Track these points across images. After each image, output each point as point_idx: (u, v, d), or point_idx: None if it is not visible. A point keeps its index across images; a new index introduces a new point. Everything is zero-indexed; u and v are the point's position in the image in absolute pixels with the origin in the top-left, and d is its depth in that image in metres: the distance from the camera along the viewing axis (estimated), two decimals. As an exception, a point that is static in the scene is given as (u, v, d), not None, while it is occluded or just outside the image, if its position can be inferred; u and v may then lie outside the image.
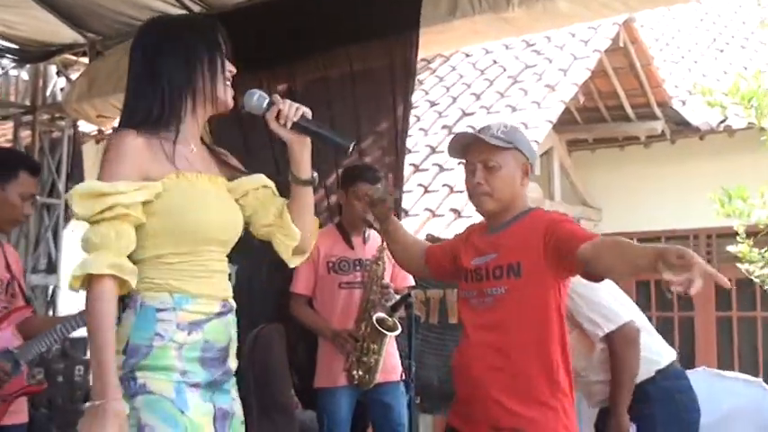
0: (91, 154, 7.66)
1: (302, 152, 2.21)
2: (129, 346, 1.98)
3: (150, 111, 2.09)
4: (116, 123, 7.16)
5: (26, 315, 3.39)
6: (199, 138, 2.23)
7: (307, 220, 2.28)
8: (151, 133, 2.07)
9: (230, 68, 2.19)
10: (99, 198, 1.95)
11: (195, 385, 2.02)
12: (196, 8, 5.16)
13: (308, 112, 2.18)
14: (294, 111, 2.15)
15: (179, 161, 2.09)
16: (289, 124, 2.15)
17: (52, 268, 6.59)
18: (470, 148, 2.78)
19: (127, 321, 2.00)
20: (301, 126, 2.16)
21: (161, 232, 2.03)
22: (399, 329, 3.84)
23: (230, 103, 2.20)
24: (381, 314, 3.86)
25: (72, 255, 6.51)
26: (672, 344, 3.83)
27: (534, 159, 2.89)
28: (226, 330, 2.13)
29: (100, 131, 8.26)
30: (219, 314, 2.11)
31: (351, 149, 2.23)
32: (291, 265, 2.33)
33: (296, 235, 2.25)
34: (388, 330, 3.86)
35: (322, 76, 4.70)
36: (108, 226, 1.95)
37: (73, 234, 6.56)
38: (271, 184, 2.29)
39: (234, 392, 2.18)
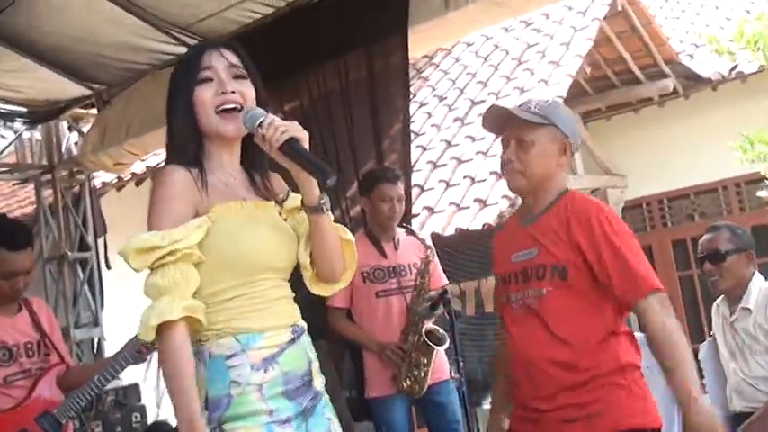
0: (114, 203, 7.74)
1: (300, 178, 2.01)
2: (209, 400, 1.92)
3: (177, 147, 2.06)
4: (135, 168, 7.17)
5: (61, 371, 3.38)
6: (237, 164, 2.13)
7: (327, 247, 2.10)
8: (192, 166, 2.03)
9: (224, 89, 2.04)
10: (155, 251, 1.89)
11: (286, 421, 1.96)
12: (193, 42, 5.19)
13: (300, 135, 1.95)
14: (277, 135, 1.94)
15: (221, 191, 2.03)
16: (273, 148, 1.95)
17: (95, 321, 6.64)
18: (506, 123, 2.67)
19: (200, 376, 1.91)
20: (285, 150, 1.94)
21: (215, 267, 1.95)
22: (447, 342, 3.81)
23: (225, 131, 2.05)
24: (431, 326, 3.85)
25: (114, 304, 6.59)
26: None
27: (576, 137, 2.69)
28: (303, 355, 2.04)
29: (120, 179, 8.32)
30: (292, 341, 2.02)
31: (330, 182, 1.95)
32: (321, 294, 2.19)
33: (304, 265, 2.11)
34: (436, 344, 3.84)
35: (324, 91, 4.73)
36: (173, 268, 1.89)
37: (115, 285, 6.62)
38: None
39: (329, 412, 2.08)
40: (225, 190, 2.05)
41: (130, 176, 8.35)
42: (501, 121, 2.70)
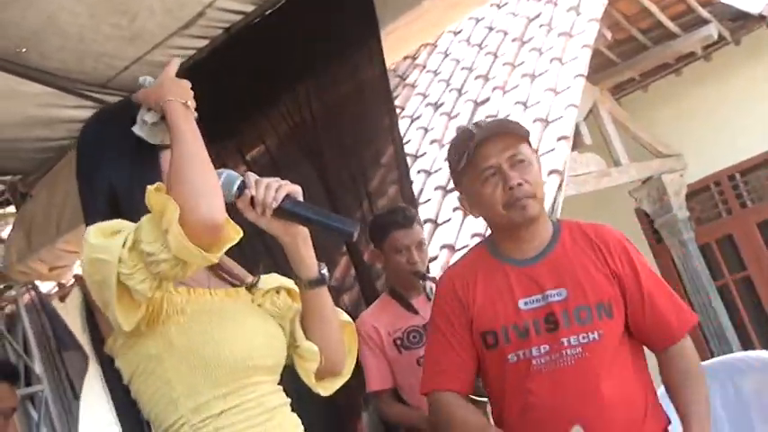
0: (62, 315, 7.65)
1: (297, 245, 2.00)
2: None
3: None
4: (78, 269, 6.95)
5: None
6: None
7: (330, 329, 2.09)
8: None
9: None
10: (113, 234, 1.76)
11: None
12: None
13: (296, 191, 1.96)
14: (273, 193, 1.92)
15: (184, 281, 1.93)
16: (268, 212, 1.92)
17: (63, 465, 6.56)
18: (484, 147, 2.72)
19: None
20: (287, 211, 1.92)
21: (191, 374, 1.88)
22: None
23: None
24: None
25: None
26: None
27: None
28: None
29: (61, 285, 8.25)
30: None
31: (355, 235, 1.94)
32: (324, 394, 2.14)
33: (311, 353, 2.07)
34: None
35: (294, 124, 4.71)
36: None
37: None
38: (290, 284, 2.10)
39: None
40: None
41: (74, 280, 8.28)
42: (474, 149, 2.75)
